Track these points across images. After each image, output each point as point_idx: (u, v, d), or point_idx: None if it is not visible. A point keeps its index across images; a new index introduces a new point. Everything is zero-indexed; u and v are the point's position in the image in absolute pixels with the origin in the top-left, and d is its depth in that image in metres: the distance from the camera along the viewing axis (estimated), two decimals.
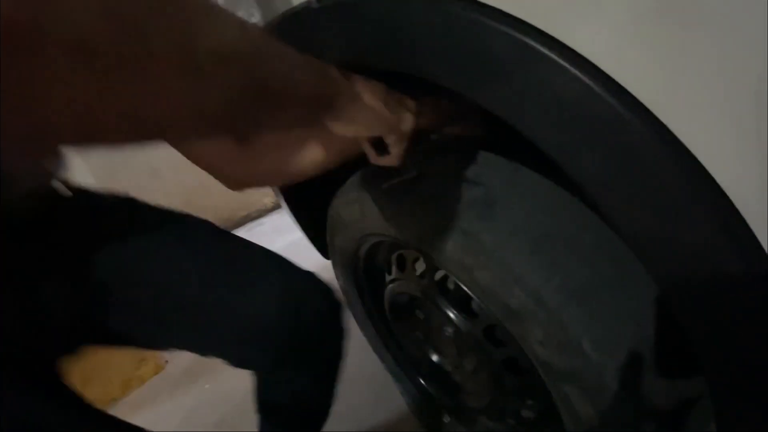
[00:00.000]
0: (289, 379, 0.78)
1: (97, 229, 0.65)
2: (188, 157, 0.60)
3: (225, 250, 0.73)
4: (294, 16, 0.56)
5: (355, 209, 0.79)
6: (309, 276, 0.77)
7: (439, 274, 0.80)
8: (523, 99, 0.35)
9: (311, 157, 0.60)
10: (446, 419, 1.04)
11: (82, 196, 0.67)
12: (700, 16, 0.26)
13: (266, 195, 3.00)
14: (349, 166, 0.86)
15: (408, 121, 0.52)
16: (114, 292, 0.63)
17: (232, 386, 1.50)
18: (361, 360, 1.42)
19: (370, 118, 0.48)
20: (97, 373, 1.57)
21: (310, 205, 1.11)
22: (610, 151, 0.33)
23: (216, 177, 0.62)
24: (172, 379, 1.65)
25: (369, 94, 0.48)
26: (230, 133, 0.44)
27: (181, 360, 1.73)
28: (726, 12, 0.25)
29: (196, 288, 0.66)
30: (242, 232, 3.12)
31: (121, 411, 1.57)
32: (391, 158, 0.56)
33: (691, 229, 0.31)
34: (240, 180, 0.63)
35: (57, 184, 0.63)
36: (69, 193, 0.65)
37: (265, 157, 0.60)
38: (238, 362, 0.76)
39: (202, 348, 0.73)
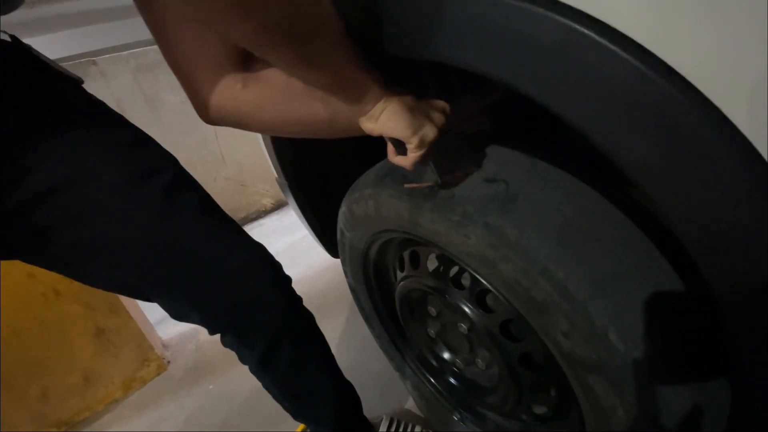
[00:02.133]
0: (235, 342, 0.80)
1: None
2: (175, 59, 0.57)
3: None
4: None
5: (370, 205, 0.79)
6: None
7: (452, 271, 0.80)
8: (571, 86, 0.35)
9: (307, 114, 0.59)
10: (455, 417, 1.04)
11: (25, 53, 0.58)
12: None
13: (265, 196, 2.99)
14: (362, 161, 0.87)
15: (430, 132, 0.55)
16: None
17: (236, 387, 1.49)
18: (366, 358, 1.43)
19: (394, 122, 0.53)
20: (97, 374, 1.56)
21: (318, 202, 1.12)
22: (663, 138, 0.33)
23: (192, 92, 0.59)
24: (175, 379, 1.64)
25: (398, 101, 0.53)
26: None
27: (184, 361, 1.72)
28: None
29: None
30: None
31: (124, 412, 1.55)
32: (406, 160, 0.58)
33: (749, 222, 0.31)
34: (213, 103, 0.59)
35: None
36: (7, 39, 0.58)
37: (262, 88, 0.58)
38: (183, 310, 0.75)
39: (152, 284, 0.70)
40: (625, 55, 0.31)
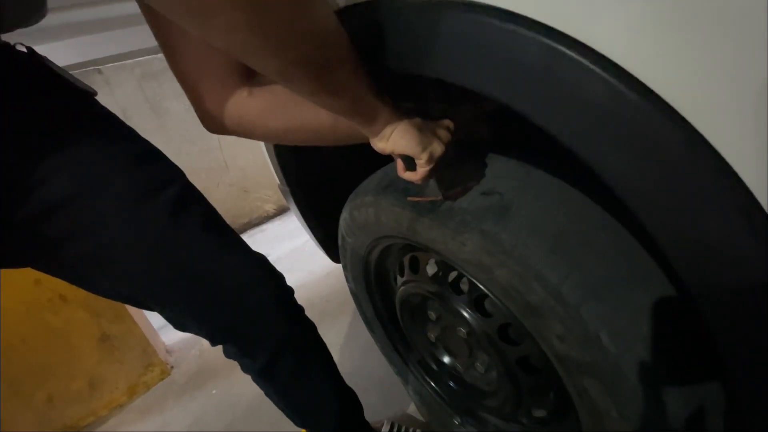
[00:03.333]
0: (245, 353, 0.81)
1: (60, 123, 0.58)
2: (180, 68, 0.59)
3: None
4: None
5: (370, 212, 0.81)
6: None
7: (451, 276, 0.81)
8: (553, 102, 0.37)
9: (311, 120, 0.62)
10: (456, 421, 1.05)
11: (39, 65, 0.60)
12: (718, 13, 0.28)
13: (268, 202, 3.02)
14: (362, 168, 0.89)
15: (438, 148, 0.58)
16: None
17: (239, 392, 1.50)
18: (368, 362, 1.44)
19: (405, 140, 0.55)
20: (102, 379, 1.58)
21: (320, 208, 1.13)
22: (639, 152, 0.34)
23: (197, 101, 0.61)
24: (178, 384, 1.65)
25: (407, 121, 0.55)
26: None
27: (187, 366, 1.73)
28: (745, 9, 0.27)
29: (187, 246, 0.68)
30: (244, 239, 3.12)
31: (128, 416, 1.57)
32: (415, 175, 0.61)
33: (719, 230, 0.32)
34: (218, 111, 0.62)
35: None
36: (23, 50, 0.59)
37: (267, 95, 0.61)
38: (189, 321, 0.76)
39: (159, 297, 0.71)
40: (602, 73, 0.33)
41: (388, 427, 1.15)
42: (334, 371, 0.95)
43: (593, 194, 0.58)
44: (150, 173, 0.65)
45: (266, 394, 0.90)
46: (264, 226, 2.93)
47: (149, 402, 1.61)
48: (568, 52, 0.34)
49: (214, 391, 1.56)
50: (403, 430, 1.15)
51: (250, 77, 0.60)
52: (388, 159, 0.81)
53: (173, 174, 0.69)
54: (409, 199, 0.69)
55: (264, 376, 0.84)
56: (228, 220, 0.77)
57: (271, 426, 1.33)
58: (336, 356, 0.94)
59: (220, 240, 0.73)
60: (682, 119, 0.31)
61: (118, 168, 0.62)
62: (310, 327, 0.89)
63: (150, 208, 0.64)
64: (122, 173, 0.62)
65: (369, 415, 1.05)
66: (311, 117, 0.61)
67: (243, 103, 0.60)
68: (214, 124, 0.63)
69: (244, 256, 0.76)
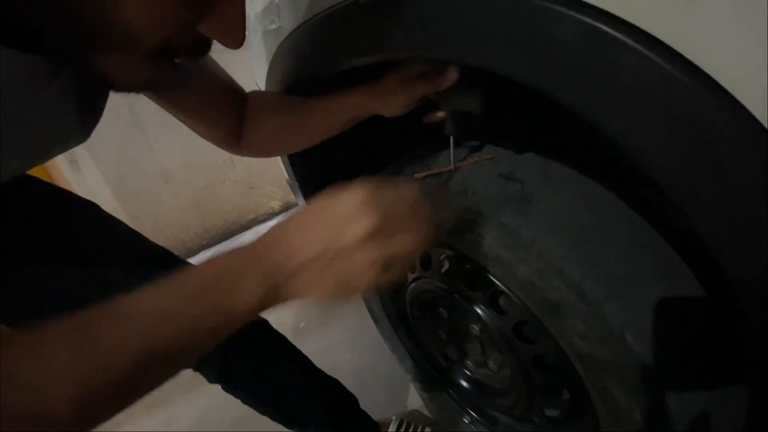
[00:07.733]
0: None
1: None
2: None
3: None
4: (328, 17, 0.58)
5: None
6: None
7: (464, 272, 0.80)
8: (593, 87, 0.35)
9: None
10: (466, 419, 1.04)
11: None
12: None
13: (273, 199, 3.01)
14: (372, 163, 0.88)
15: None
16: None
17: None
18: (376, 360, 1.42)
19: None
20: None
21: None
22: (691, 140, 0.32)
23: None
24: (185, 379, 1.64)
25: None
26: None
27: None
28: None
29: None
30: (250, 235, 3.12)
31: (134, 411, 1.55)
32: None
33: None
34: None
35: None
36: None
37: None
38: None
39: None
40: (652, 55, 0.31)
41: (397, 425, 1.14)
42: (297, 359, 0.93)
43: (615, 189, 0.57)
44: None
45: (243, 401, 0.89)
46: (270, 223, 2.92)
47: (155, 397, 1.58)
48: (613, 32, 0.32)
49: (220, 386, 1.56)
50: (411, 427, 1.14)
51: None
52: (400, 153, 0.80)
53: None
54: (416, 176, 0.67)
55: (227, 382, 0.85)
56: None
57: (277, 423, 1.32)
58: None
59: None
60: (738, 104, 0.28)
61: None
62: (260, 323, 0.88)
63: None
64: None
65: (377, 413, 1.04)
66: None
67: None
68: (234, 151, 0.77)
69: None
